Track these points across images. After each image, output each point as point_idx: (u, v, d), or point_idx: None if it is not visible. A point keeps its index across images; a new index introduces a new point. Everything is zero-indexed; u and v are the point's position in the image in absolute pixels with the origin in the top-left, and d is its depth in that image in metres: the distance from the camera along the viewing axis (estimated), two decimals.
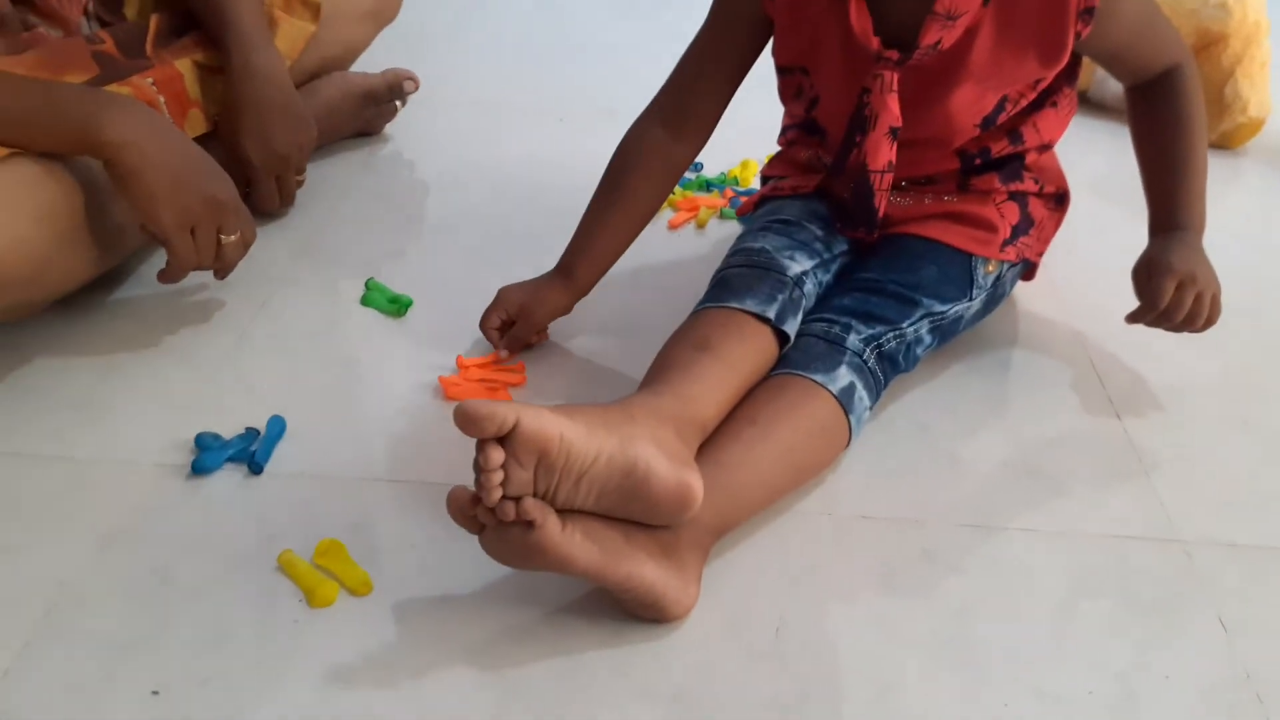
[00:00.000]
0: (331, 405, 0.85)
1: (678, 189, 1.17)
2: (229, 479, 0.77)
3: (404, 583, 0.69)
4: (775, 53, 0.88)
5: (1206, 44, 1.28)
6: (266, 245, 1.02)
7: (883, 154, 0.83)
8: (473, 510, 0.63)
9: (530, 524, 0.61)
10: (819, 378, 0.77)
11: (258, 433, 0.81)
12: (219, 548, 0.71)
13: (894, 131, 0.82)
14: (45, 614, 0.66)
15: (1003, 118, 0.84)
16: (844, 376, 0.78)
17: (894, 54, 0.79)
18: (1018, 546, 0.74)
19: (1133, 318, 0.85)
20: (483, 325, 0.90)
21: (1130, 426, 0.86)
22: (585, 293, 0.91)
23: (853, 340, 0.80)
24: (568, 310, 0.91)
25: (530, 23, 1.67)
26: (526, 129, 1.32)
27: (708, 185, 1.19)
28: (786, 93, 0.92)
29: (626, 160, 0.89)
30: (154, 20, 1.05)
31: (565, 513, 0.63)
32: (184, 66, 1.03)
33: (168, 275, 0.88)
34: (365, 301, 0.97)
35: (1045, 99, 0.86)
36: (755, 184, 1.20)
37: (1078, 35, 0.79)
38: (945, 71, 0.81)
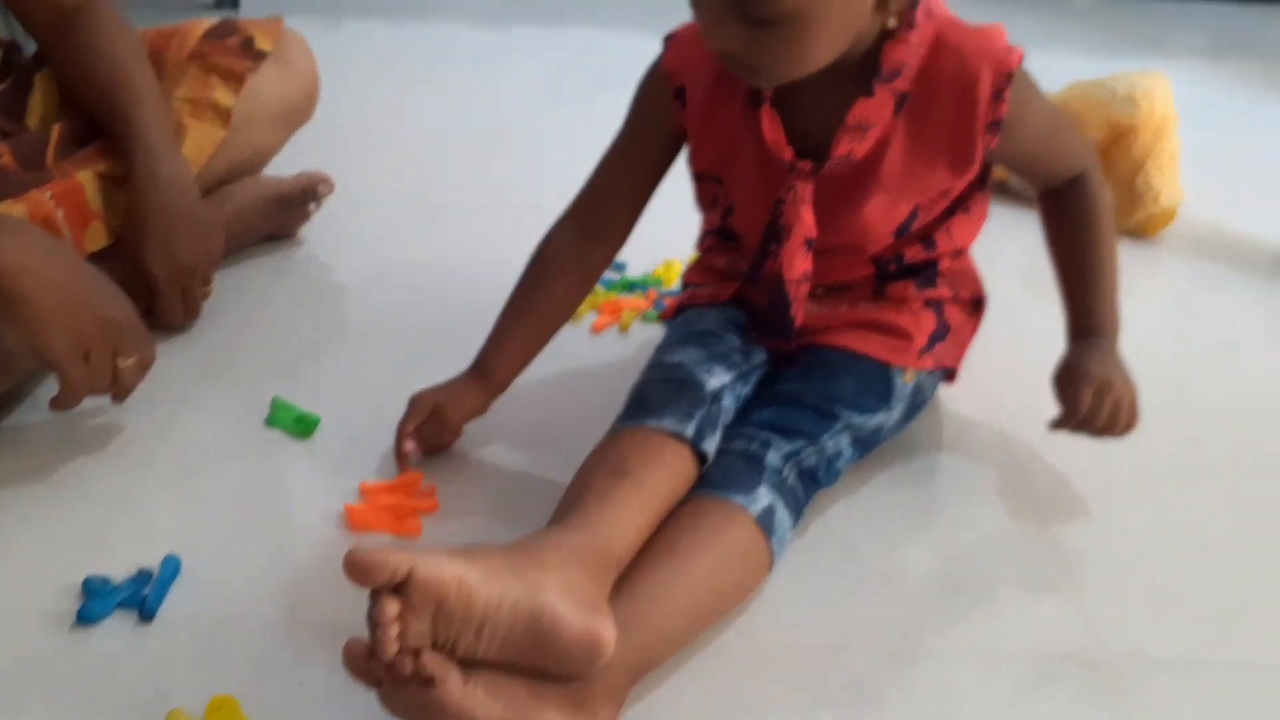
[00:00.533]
0: (230, 540, 0.81)
1: (600, 290, 1.16)
2: (118, 627, 0.73)
3: None
4: (689, 161, 0.87)
5: (1117, 136, 1.31)
6: (170, 362, 0.98)
7: (798, 264, 0.83)
8: (369, 664, 0.59)
9: (429, 680, 0.58)
10: (738, 499, 0.75)
11: (150, 575, 0.77)
12: (103, 708, 0.67)
13: (809, 243, 0.82)
14: None
15: (916, 225, 0.84)
16: (764, 497, 0.76)
17: (806, 165, 0.79)
18: (947, 670, 0.72)
19: (1054, 426, 0.85)
20: (399, 436, 0.87)
21: (1059, 533, 0.85)
22: (500, 392, 0.89)
23: (772, 457, 0.78)
24: (483, 411, 0.89)
25: (454, 116, 1.66)
26: (449, 226, 1.30)
27: (630, 286, 1.18)
28: (703, 200, 0.91)
29: (543, 263, 0.89)
30: (56, 129, 1.02)
31: (468, 664, 0.60)
32: (85, 178, 0.99)
33: (60, 403, 0.84)
34: (271, 422, 0.93)
35: (957, 205, 0.87)
36: (679, 284, 1.18)
37: (987, 146, 0.80)
38: (858, 181, 0.80)
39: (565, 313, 0.90)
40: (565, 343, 1.07)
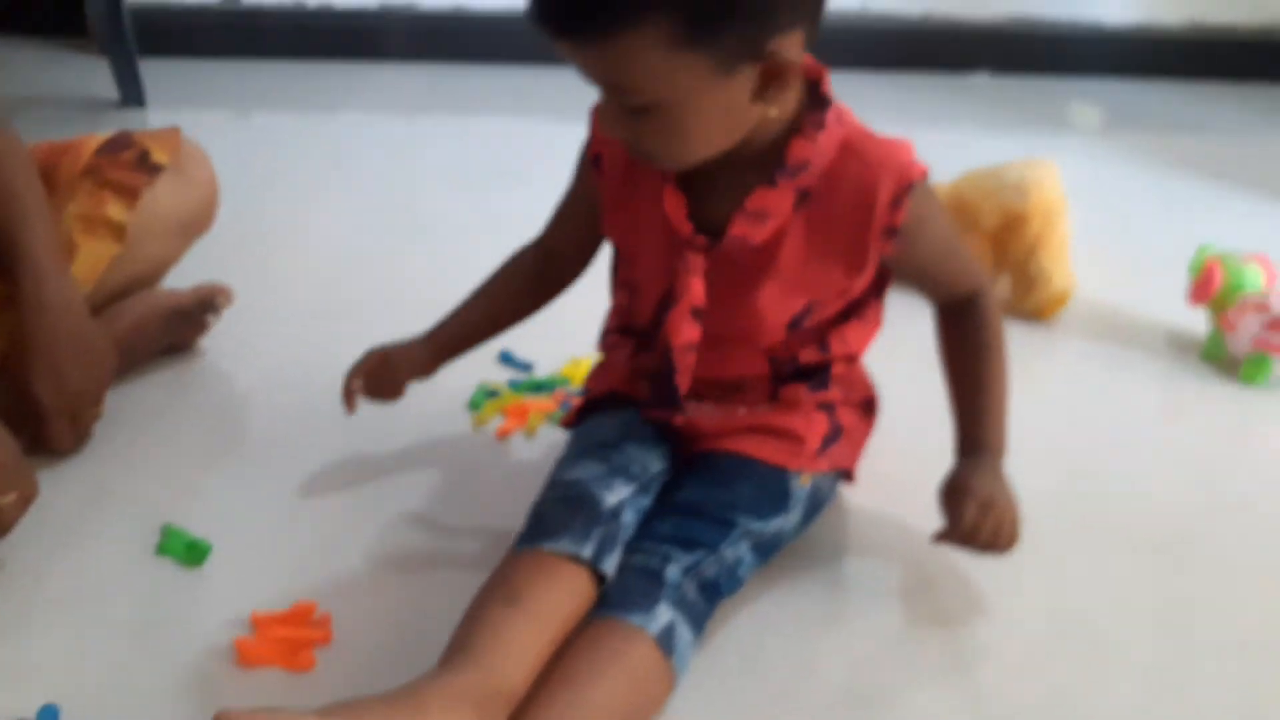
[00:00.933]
0: (114, 683, 0.77)
1: (507, 392, 1.15)
2: None
3: None
4: (602, 225, 0.89)
5: (1009, 223, 1.35)
6: (56, 492, 0.94)
7: (685, 332, 0.84)
8: None
9: None
10: (636, 619, 0.74)
11: None
12: None
13: (696, 312, 0.83)
14: None
15: (809, 322, 0.85)
16: (663, 615, 0.75)
17: (702, 240, 0.81)
18: None
19: (938, 539, 0.85)
20: (347, 381, 0.97)
21: (960, 633, 0.86)
22: (446, 357, 0.98)
23: (671, 572, 0.78)
24: (428, 371, 0.97)
25: (364, 208, 1.64)
26: (355, 332, 1.26)
27: (538, 387, 1.17)
28: (615, 274, 0.93)
29: (506, 265, 0.98)
30: None
31: None
32: None
33: None
34: (161, 550, 0.90)
35: (853, 311, 0.88)
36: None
37: (882, 252, 0.82)
38: (755, 268, 0.82)
39: (517, 310, 0.98)
40: (469, 450, 1.07)
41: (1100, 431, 1.16)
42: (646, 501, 0.86)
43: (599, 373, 0.98)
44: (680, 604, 0.77)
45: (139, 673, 0.79)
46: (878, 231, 0.80)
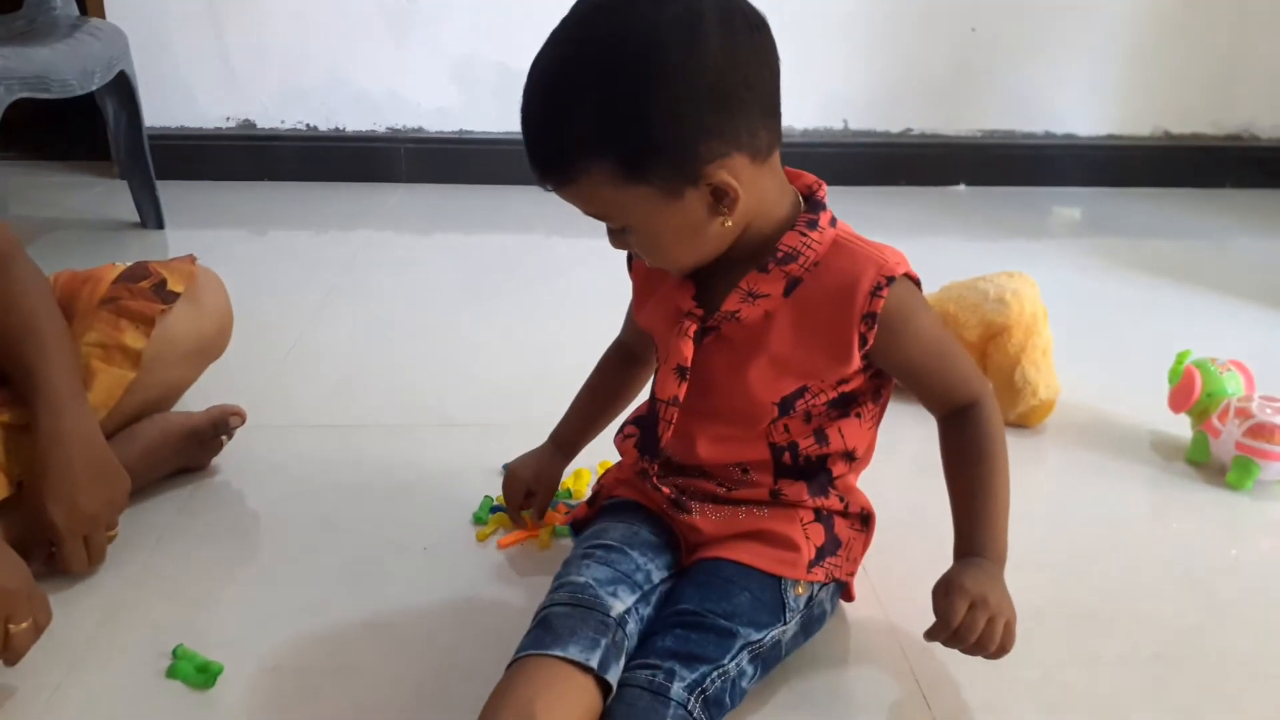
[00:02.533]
0: None
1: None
2: None
3: None
4: (636, 315, 0.99)
5: (992, 335, 1.40)
6: (69, 614, 0.96)
7: (669, 387, 0.90)
8: None
9: None
10: None
11: None
12: None
13: (680, 370, 0.90)
14: None
15: (801, 404, 0.89)
16: None
17: (699, 311, 0.89)
18: None
19: (929, 635, 0.86)
20: (510, 507, 1.10)
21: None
22: (575, 451, 1.13)
23: (677, 690, 0.80)
24: (553, 464, 1.11)
25: (373, 328, 1.70)
26: (366, 448, 1.31)
27: None
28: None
29: (598, 368, 1.11)
30: None
31: None
32: None
33: None
34: (172, 672, 0.92)
35: (850, 407, 0.92)
36: (589, 494, 1.21)
37: (863, 339, 0.85)
38: (747, 346, 0.88)
39: (620, 395, 1.11)
40: (475, 563, 1.09)
41: (1089, 538, 1.18)
42: (648, 610, 0.88)
43: (614, 471, 1.03)
44: None
45: None
46: (857, 318, 0.84)
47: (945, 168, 2.58)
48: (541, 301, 1.80)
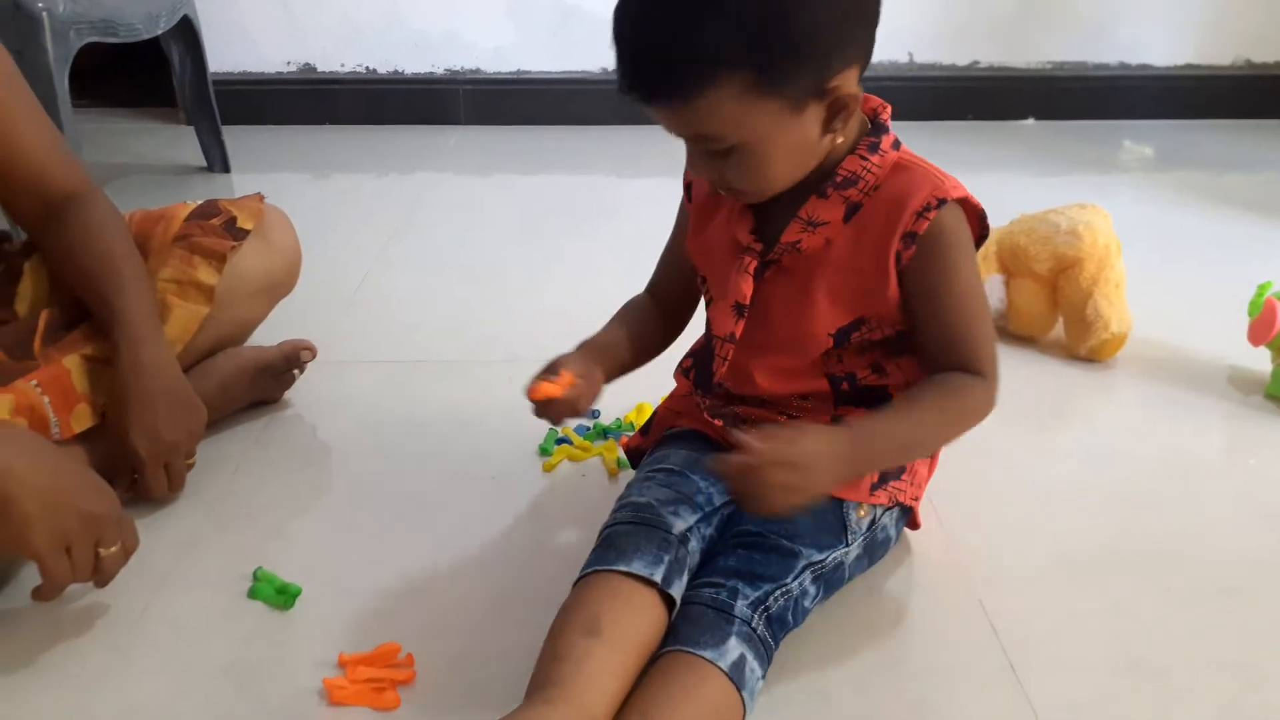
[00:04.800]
0: None
1: (577, 439, 1.19)
2: None
3: None
4: (687, 247, 0.95)
5: (1064, 268, 1.37)
6: (154, 539, 1.00)
7: (726, 324, 0.89)
8: None
9: None
10: (708, 654, 0.76)
11: None
12: None
13: (738, 307, 0.88)
14: None
15: (857, 338, 0.88)
16: (734, 650, 0.77)
17: (759, 246, 0.87)
18: None
19: (720, 463, 0.76)
20: (550, 387, 0.87)
21: (1024, 677, 0.86)
22: (601, 362, 0.93)
23: (740, 608, 0.80)
24: (588, 369, 0.91)
25: (436, 268, 1.72)
26: (430, 385, 1.33)
27: (604, 433, 1.21)
28: (702, 291, 0.98)
29: (629, 308, 1.02)
30: (44, 316, 1.07)
31: None
32: (71, 363, 1.04)
33: (43, 594, 0.86)
34: (253, 593, 0.95)
35: (909, 343, 0.89)
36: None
37: (899, 258, 0.83)
38: (806, 276, 0.86)
39: (655, 343, 1.01)
40: (540, 492, 1.11)
41: (1162, 472, 1.16)
42: (710, 531, 0.89)
43: (669, 402, 1.03)
44: (749, 639, 0.79)
45: (235, 711, 0.83)
46: (898, 235, 0.82)
47: (1013, 101, 2.50)
48: (601, 241, 1.80)
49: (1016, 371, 1.40)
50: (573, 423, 1.23)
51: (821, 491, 0.79)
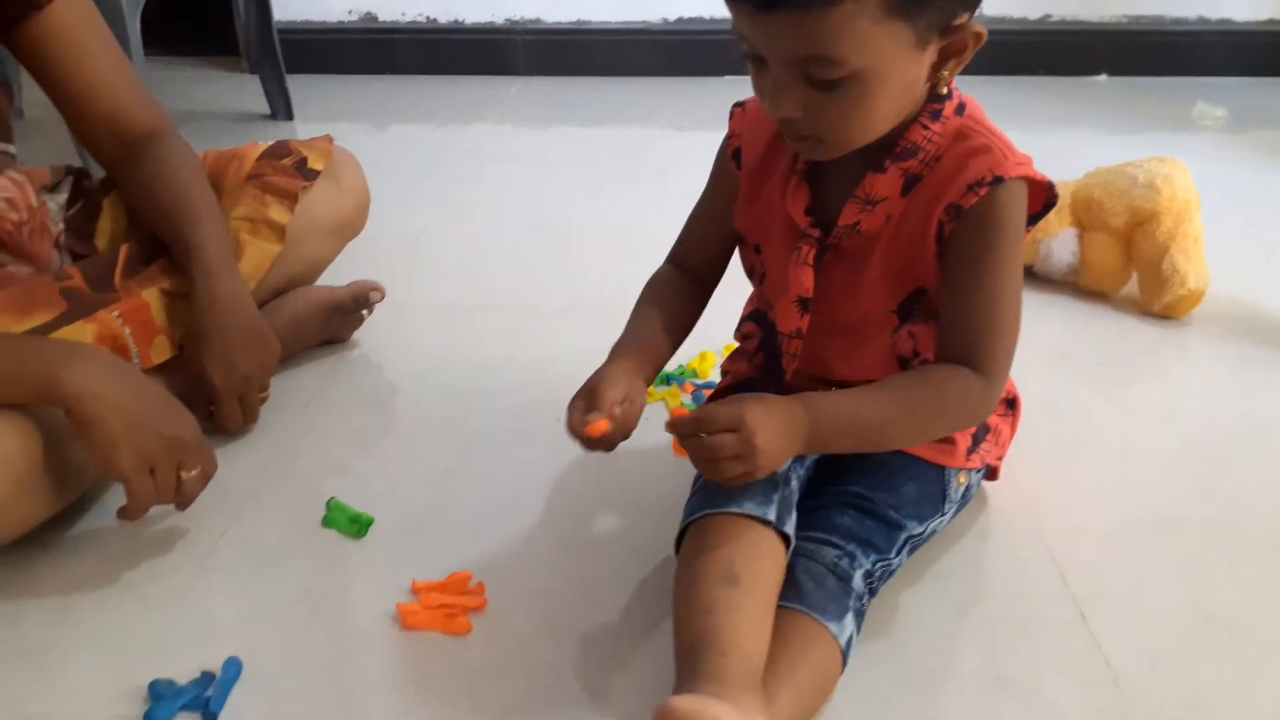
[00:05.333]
0: (289, 642, 0.84)
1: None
2: None
3: None
4: (735, 218, 0.91)
5: (1140, 222, 1.33)
6: (230, 467, 1.02)
7: (791, 320, 0.86)
8: None
9: None
10: (833, 628, 0.77)
11: (213, 676, 0.80)
12: None
13: (802, 301, 0.85)
14: None
15: (922, 310, 0.85)
16: (849, 626, 0.78)
17: (816, 231, 0.83)
18: None
19: (679, 424, 0.76)
20: (594, 407, 0.81)
21: (1095, 628, 0.85)
22: (642, 370, 0.87)
23: (857, 580, 0.80)
24: (631, 385, 0.85)
25: (496, 215, 1.72)
26: (493, 329, 1.34)
27: (666, 379, 1.21)
28: (745, 267, 0.94)
29: (654, 289, 0.95)
30: (123, 250, 1.09)
31: None
32: (150, 296, 1.06)
33: (127, 514, 0.88)
34: (326, 522, 0.97)
35: None
36: (714, 375, 1.22)
37: (940, 229, 0.79)
38: (864, 253, 0.83)
39: (685, 324, 0.94)
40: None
41: (1237, 430, 1.13)
42: (803, 472, 0.87)
43: (735, 360, 1.01)
44: (859, 614, 0.79)
45: (311, 633, 0.85)
46: (944, 205, 0.78)
47: (1086, 57, 2.44)
48: (660, 193, 1.78)
49: (1089, 328, 1.40)
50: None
51: (770, 462, 0.75)
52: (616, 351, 0.88)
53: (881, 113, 0.75)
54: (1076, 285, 1.40)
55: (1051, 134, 2.06)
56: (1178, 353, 1.29)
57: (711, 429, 0.74)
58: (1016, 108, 2.15)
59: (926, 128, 0.78)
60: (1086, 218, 1.38)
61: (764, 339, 0.95)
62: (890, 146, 0.78)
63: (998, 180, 0.76)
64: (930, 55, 0.73)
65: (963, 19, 0.72)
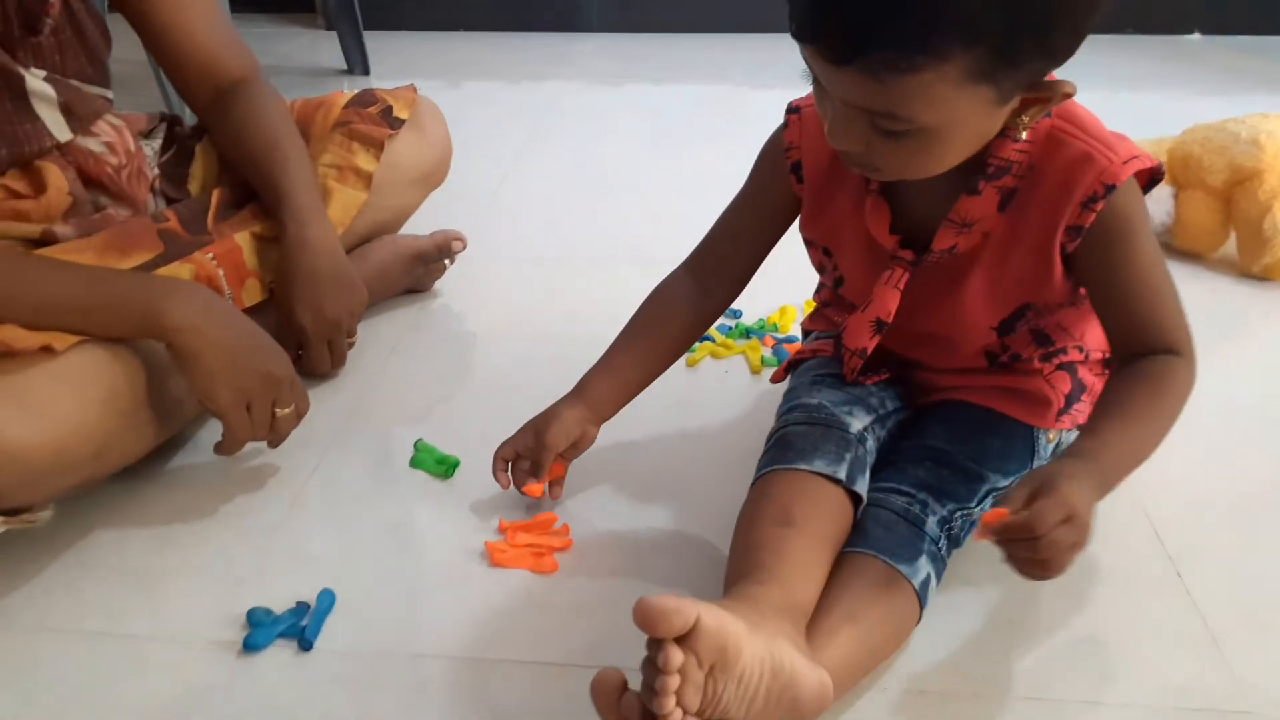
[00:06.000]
0: (380, 575, 0.86)
1: (719, 336, 1.19)
2: (279, 656, 0.78)
3: None
4: (800, 226, 0.88)
5: (1240, 180, 1.29)
6: (319, 408, 1.04)
7: (861, 338, 0.83)
8: (618, 705, 0.59)
9: None
10: (904, 569, 0.75)
11: (308, 606, 0.82)
12: None
13: (879, 324, 0.82)
14: None
15: (1023, 325, 0.82)
16: (923, 568, 0.76)
17: (908, 255, 0.80)
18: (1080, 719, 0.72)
19: (990, 530, 0.67)
20: (495, 462, 0.90)
21: (1192, 586, 0.84)
22: (600, 415, 0.90)
23: (931, 525, 0.78)
24: (582, 432, 0.90)
25: (571, 174, 1.73)
26: (570, 281, 1.35)
27: (746, 333, 1.21)
28: (814, 263, 0.92)
29: (657, 302, 0.92)
30: (215, 195, 1.11)
31: None
32: (242, 239, 1.08)
33: (224, 448, 0.91)
34: (414, 463, 0.99)
35: (1068, 303, 0.83)
36: (794, 330, 1.21)
37: (1064, 250, 0.76)
38: (961, 271, 0.79)
39: (676, 350, 0.93)
40: (682, 385, 1.11)
41: None
42: (884, 433, 0.87)
43: (816, 320, 0.99)
44: (935, 558, 0.78)
45: (402, 567, 0.87)
46: (1062, 229, 0.74)
47: (1178, 13, 2.36)
48: (733, 149, 1.77)
49: (1183, 289, 1.32)
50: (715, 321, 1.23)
51: (1088, 538, 0.68)
52: (581, 390, 0.90)
53: (948, 161, 0.70)
54: (1170, 246, 1.36)
55: (1143, 94, 2.00)
56: (1272, 316, 1.25)
57: (1046, 529, 0.65)
58: (1107, 66, 2.09)
59: (1016, 140, 0.73)
60: (1183, 176, 1.34)
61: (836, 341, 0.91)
62: (981, 166, 0.74)
63: (1110, 189, 0.72)
64: (1011, 106, 0.68)
65: (1052, 75, 0.68)
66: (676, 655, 0.56)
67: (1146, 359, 0.76)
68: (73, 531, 0.90)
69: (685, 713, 0.57)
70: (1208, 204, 1.31)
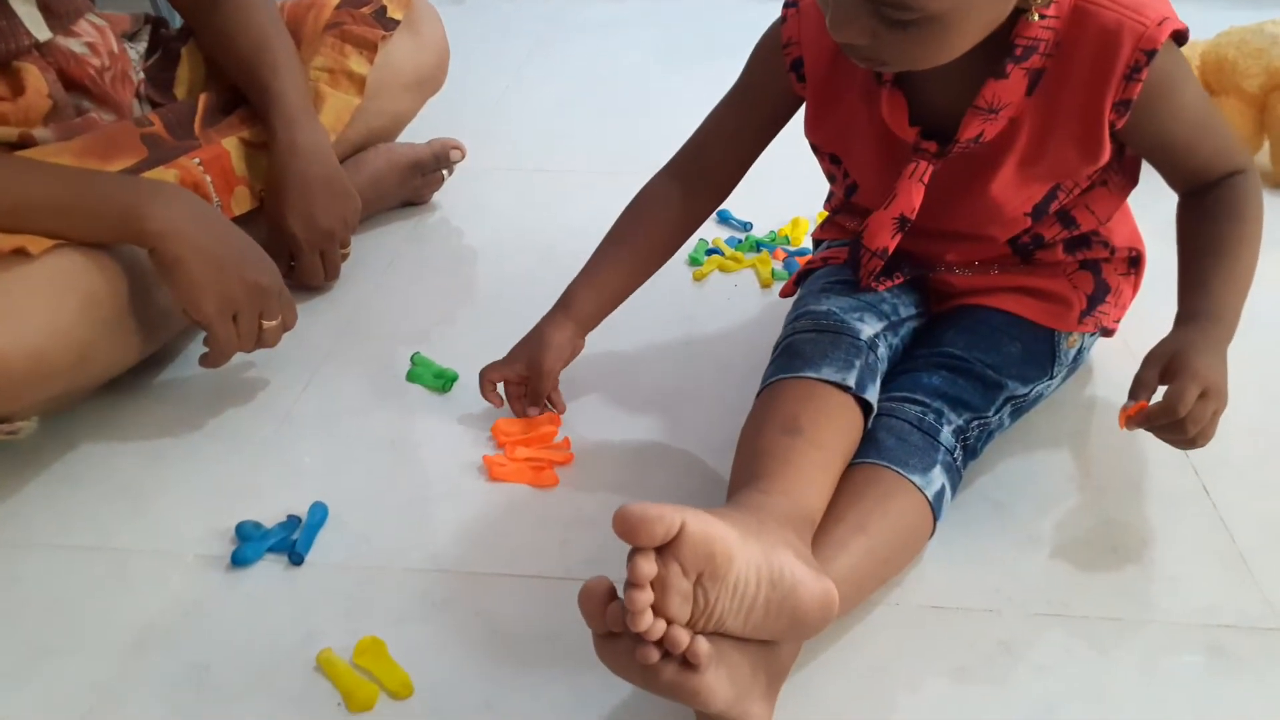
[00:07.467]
0: (375, 489, 0.83)
1: (728, 250, 1.15)
2: (269, 570, 0.76)
3: (446, 687, 0.66)
4: (805, 131, 0.84)
5: (1277, 84, 1.22)
6: (312, 321, 1.01)
7: (883, 237, 0.79)
8: (603, 612, 0.56)
9: (691, 662, 0.55)
10: (917, 480, 0.72)
11: (299, 520, 0.79)
12: (258, 645, 0.69)
13: (903, 220, 0.78)
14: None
15: (1054, 206, 0.79)
16: (937, 479, 0.73)
17: (932, 146, 0.75)
18: (1101, 636, 0.69)
19: (1134, 421, 0.71)
20: (482, 384, 0.88)
21: (1219, 500, 0.80)
22: (587, 328, 0.88)
23: (945, 435, 0.75)
24: (574, 347, 0.87)
25: (576, 85, 1.66)
26: (575, 193, 1.30)
27: (757, 245, 1.16)
28: (824, 171, 0.88)
29: (640, 205, 0.89)
30: (202, 99, 1.06)
31: (712, 638, 0.56)
32: (230, 144, 1.03)
33: (210, 360, 0.87)
34: (411, 377, 0.95)
35: (1097, 181, 0.80)
36: (806, 243, 1.16)
37: (1113, 126, 0.73)
38: (988, 161, 0.76)
39: (659, 256, 0.89)
40: (691, 299, 1.07)
41: None
42: (897, 340, 0.83)
43: (829, 229, 0.95)
44: (950, 469, 0.74)
45: (397, 481, 0.84)
46: (1109, 105, 0.71)
47: None
48: (737, 62, 1.71)
49: None
50: (724, 234, 1.19)
51: (1227, 396, 0.71)
52: (566, 305, 0.87)
53: (957, 49, 0.67)
54: None
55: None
56: None
57: (1186, 410, 0.68)
58: None
59: (1043, 17, 0.69)
60: (1217, 80, 1.27)
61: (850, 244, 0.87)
62: (1008, 47, 0.70)
63: (1151, 54, 0.70)
64: None
65: None
66: (648, 567, 0.53)
67: (1215, 188, 0.77)
68: (59, 445, 0.88)
69: (673, 623, 0.54)
70: (1242, 110, 1.25)
